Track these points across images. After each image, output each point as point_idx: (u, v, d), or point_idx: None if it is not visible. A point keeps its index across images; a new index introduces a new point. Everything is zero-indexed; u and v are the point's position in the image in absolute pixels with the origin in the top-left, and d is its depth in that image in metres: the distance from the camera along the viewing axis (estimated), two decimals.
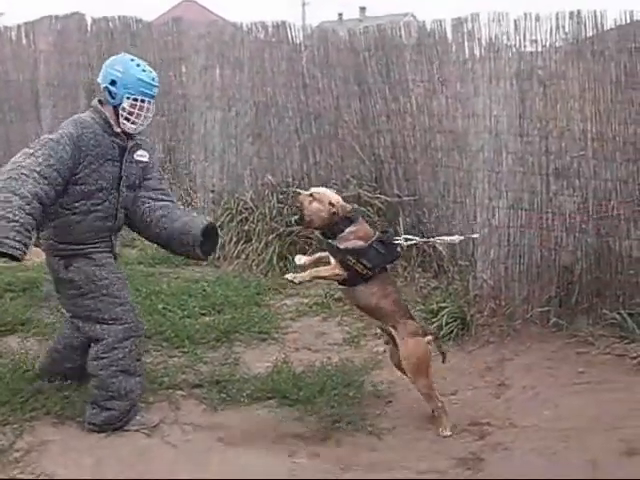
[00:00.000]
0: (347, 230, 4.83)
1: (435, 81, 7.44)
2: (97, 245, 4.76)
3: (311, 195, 4.91)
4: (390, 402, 5.26)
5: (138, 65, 4.71)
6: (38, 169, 4.35)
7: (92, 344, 4.79)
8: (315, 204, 4.86)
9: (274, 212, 8.31)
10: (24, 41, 12.14)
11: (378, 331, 6.47)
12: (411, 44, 7.70)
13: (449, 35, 7.26)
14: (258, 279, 7.78)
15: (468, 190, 7.03)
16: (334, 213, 4.82)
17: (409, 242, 5.09)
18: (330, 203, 4.83)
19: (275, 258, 8.01)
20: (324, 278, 5.01)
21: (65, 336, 5.14)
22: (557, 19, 6.39)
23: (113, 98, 4.68)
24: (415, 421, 5.01)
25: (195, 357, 5.93)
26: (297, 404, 5.08)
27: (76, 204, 4.63)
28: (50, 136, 4.53)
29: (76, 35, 11.25)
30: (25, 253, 4.23)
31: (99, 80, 4.76)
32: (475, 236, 6.33)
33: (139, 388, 4.91)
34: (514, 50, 6.57)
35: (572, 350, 6.01)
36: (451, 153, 7.29)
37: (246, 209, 8.54)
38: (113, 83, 4.66)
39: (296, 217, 5.00)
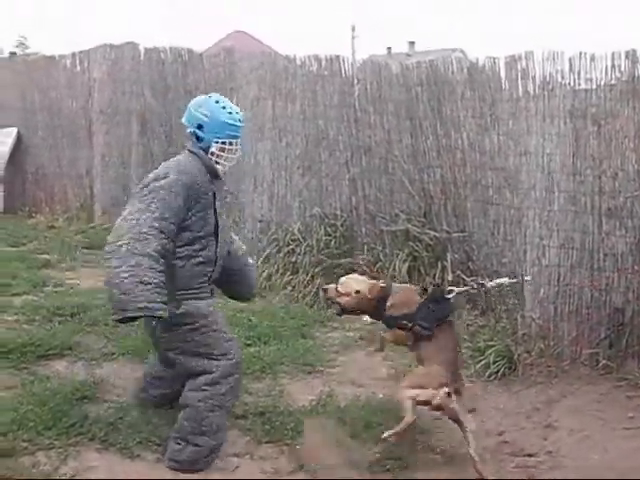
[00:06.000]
0: (387, 305, 5.04)
1: (487, 118, 7.42)
2: (198, 289, 4.76)
3: (336, 289, 5.13)
4: (439, 440, 5.19)
5: (224, 107, 4.72)
6: (157, 225, 4.38)
7: (193, 376, 4.72)
8: (344, 297, 5.08)
9: (321, 244, 8.32)
10: (78, 69, 12.39)
11: None
12: (463, 80, 7.69)
13: (502, 72, 7.24)
14: (304, 311, 7.76)
15: (518, 228, 6.98)
16: (364, 298, 5.04)
17: (460, 289, 5.24)
18: (356, 292, 5.05)
19: (321, 290, 7.99)
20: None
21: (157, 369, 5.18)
22: (612, 58, 6.35)
23: (200, 141, 4.71)
24: (461, 458, 4.92)
25: None
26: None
27: (179, 249, 4.62)
28: (158, 183, 4.49)
29: (129, 64, 11.45)
30: (166, 310, 4.36)
31: (185, 122, 4.78)
32: (528, 278, 6.22)
33: (226, 428, 4.90)
34: (568, 88, 6.54)
35: (622, 393, 5.90)
36: (502, 190, 7.26)
37: (293, 240, 8.56)
38: (200, 127, 4.70)
39: (334, 311, 5.35)
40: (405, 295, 5.13)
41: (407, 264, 7.73)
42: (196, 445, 4.66)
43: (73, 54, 12.48)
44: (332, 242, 8.32)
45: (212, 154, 4.70)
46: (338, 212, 8.56)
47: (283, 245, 8.60)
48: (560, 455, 5.02)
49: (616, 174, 6.29)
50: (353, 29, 56.11)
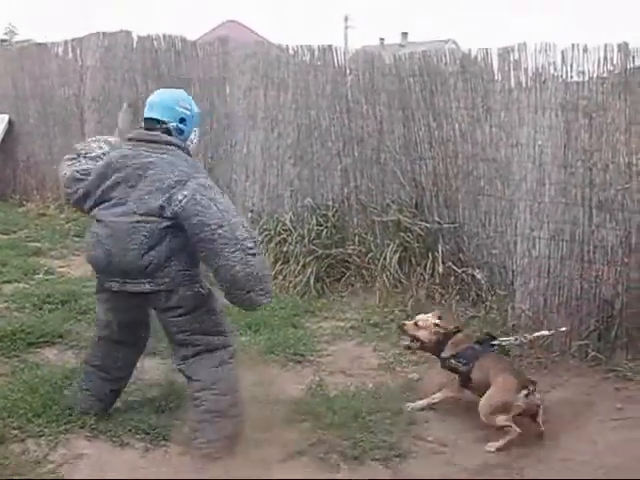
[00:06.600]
0: (448, 344, 5.51)
1: (479, 109, 7.42)
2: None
3: (416, 324, 5.60)
4: (426, 430, 5.22)
5: (192, 99, 5.02)
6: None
7: (207, 354, 4.81)
8: (422, 331, 5.56)
9: (313, 234, 8.30)
10: (70, 56, 12.31)
11: (414, 358, 6.46)
12: (455, 71, 7.68)
13: (495, 64, 7.24)
14: (295, 300, 7.76)
15: (509, 219, 7.00)
16: (439, 334, 5.52)
17: (504, 342, 5.79)
18: (436, 326, 5.54)
19: (312, 280, 8.01)
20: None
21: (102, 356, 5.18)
22: (605, 51, 6.36)
23: (181, 134, 4.86)
24: (449, 449, 4.97)
25: None
26: (331, 428, 5.05)
27: None
28: (209, 182, 4.72)
29: (122, 52, 11.38)
30: None
31: (164, 119, 4.83)
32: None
33: None
34: (560, 81, 6.55)
35: (610, 385, 5.94)
36: (493, 182, 7.27)
37: (285, 230, 8.54)
38: (182, 121, 4.85)
39: (406, 343, 5.78)
40: (461, 338, 5.58)
41: (398, 254, 7.74)
42: (233, 417, 4.78)
43: (65, 42, 12.37)
44: (323, 232, 8.31)
45: (191, 141, 4.95)
46: (330, 202, 8.54)
47: (274, 235, 8.57)
48: (548, 446, 5.03)
49: (607, 166, 6.31)
50: (346, 19, 56.21)
